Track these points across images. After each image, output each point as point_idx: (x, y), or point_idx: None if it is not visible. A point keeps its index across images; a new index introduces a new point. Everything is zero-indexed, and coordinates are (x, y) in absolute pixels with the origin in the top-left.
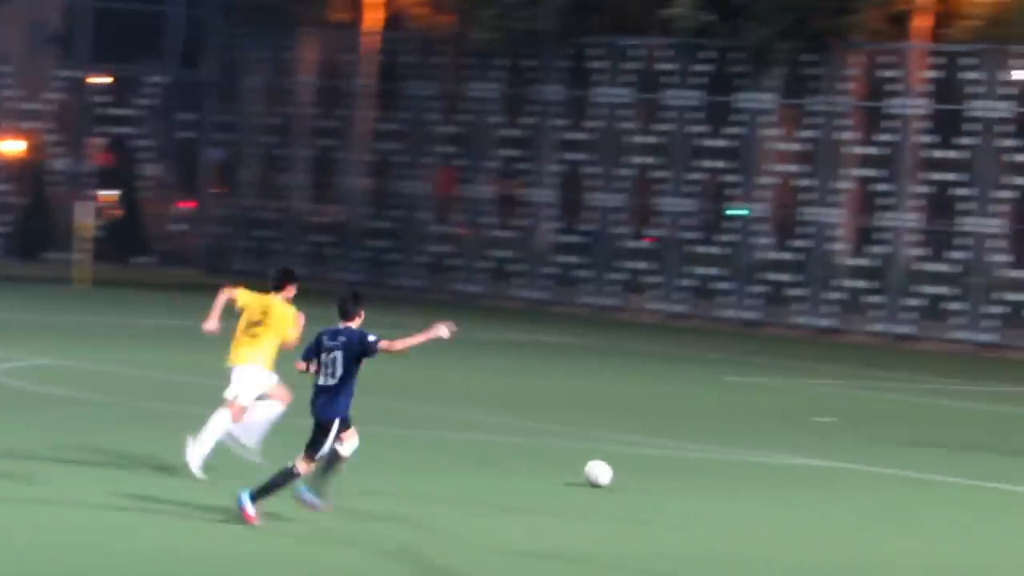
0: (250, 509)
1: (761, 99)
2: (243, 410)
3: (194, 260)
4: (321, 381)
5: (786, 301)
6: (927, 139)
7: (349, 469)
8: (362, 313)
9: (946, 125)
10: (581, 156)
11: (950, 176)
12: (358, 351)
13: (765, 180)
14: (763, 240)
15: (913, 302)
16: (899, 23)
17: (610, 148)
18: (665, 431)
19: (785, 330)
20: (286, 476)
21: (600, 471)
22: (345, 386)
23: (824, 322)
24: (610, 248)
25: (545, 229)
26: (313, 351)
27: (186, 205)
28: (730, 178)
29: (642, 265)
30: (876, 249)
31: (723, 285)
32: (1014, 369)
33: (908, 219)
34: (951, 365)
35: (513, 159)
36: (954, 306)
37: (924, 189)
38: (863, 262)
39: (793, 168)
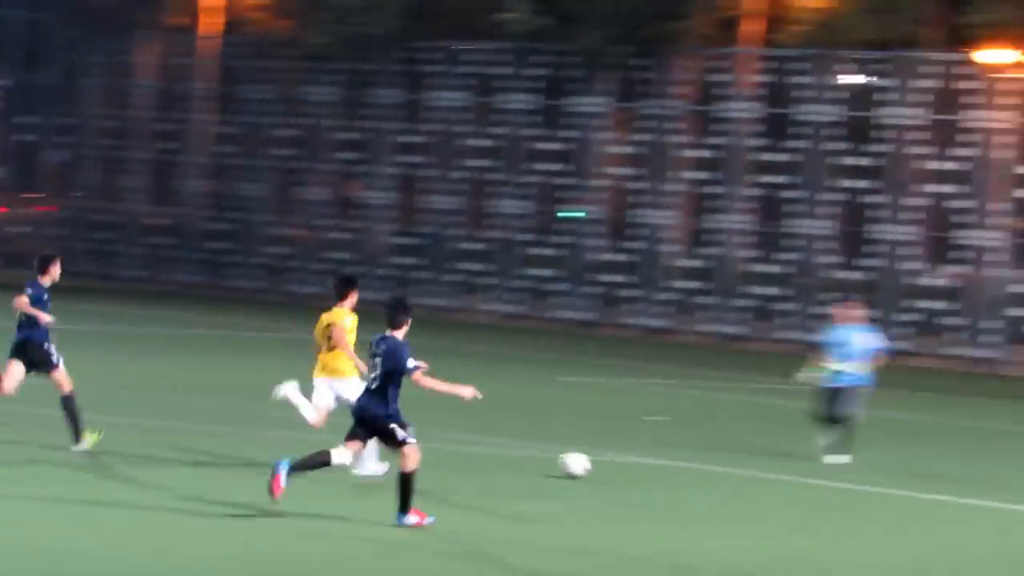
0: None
1: (594, 103)
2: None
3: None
4: (368, 383)
5: (619, 302)
6: (757, 142)
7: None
8: (408, 322)
9: (776, 129)
10: (417, 159)
11: (780, 179)
12: (394, 365)
13: (598, 183)
14: (597, 242)
15: (743, 303)
16: (729, 29)
17: (446, 151)
18: (501, 430)
19: (618, 330)
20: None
21: (574, 462)
22: (386, 392)
23: (656, 322)
24: (446, 250)
25: (382, 231)
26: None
27: (44, 209)
28: (564, 181)
29: (478, 267)
30: (707, 251)
31: (557, 286)
32: None
33: (739, 221)
34: (781, 364)
35: (350, 162)
36: (783, 307)
37: (754, 192)
38: (695, 263)
39: (626, 171)
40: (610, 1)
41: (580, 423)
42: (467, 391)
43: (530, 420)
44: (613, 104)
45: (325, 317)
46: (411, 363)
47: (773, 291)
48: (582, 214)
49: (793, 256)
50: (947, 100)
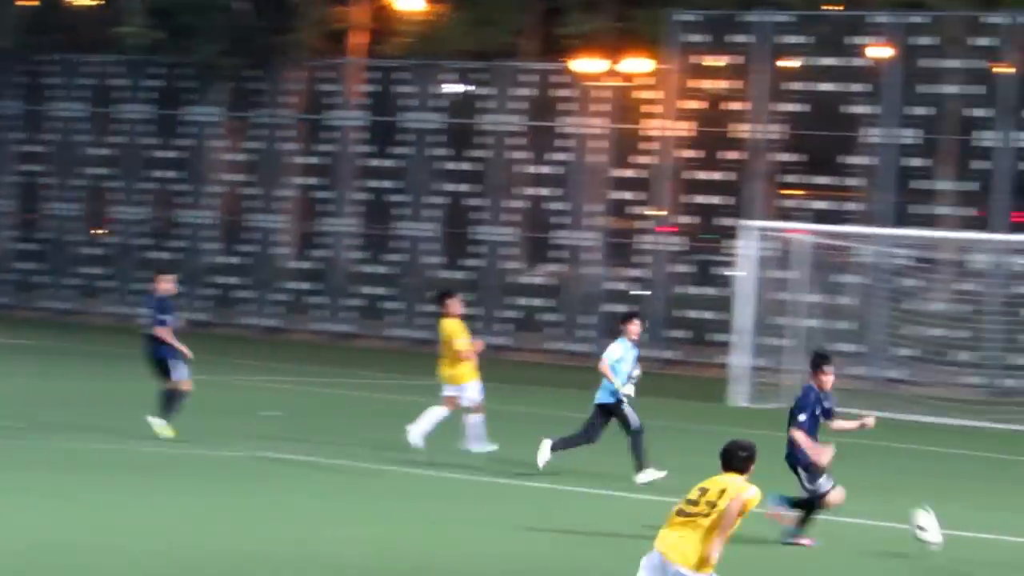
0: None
1: (208, 112)
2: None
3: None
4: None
5: (234, 303)
6: (364, 149)
7: None
8: (818, 373)
9: (382, 136)
10: (38, 167)
11: (386, 184)
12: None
13: (213, 189)
14: (212, 246)
15: (353, 302)
16: (337, 40)
17: (66, 160)
18: (119, 428)
19: (233, 330)
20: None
21: (927, 524)
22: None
23: (270, 322)
24: (66, 255)
25: (2, 237)
26: None
27: None
28: (180, 187)
29: (97, 271)
30: (318, 253)
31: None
32: None
33: (347, 224)
34: (389, 361)
35: None
36: (390, 305)
37: (362, 196)
38: (306, 265)
39: (239, 177)
40: (222, 14)
41: (197, 420)
42: (826, 456)
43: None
44: (226, 113)
45: (443, 328)
46: (802, 417)
47: (380, 291)
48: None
49: (399, 257)
50: (544, 107)
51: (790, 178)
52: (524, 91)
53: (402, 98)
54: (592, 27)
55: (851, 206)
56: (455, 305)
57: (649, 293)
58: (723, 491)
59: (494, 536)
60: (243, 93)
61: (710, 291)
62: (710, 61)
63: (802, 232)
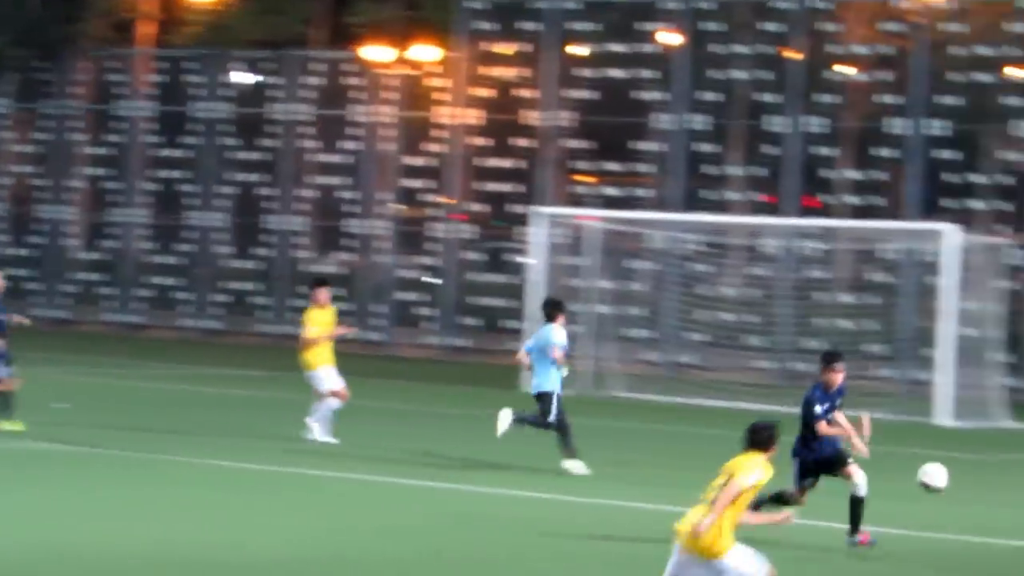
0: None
1: None
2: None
3: None
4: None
5: (23, 295)
6: (153, 139)
7: None
8: (827, 371)
9: (171, 126)
10: None
11: (176, 174)
12: (804, 413)
13: (1, 181)
14: (1, 237)
15: (143, 293)
16: (125, 30)
17: None
18: None
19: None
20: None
21: (935, 474)
22: (806, 438)
23: (59, 313)
24: None
25: None
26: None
27: None
28: None
29: None
30: (108, 244)
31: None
32: (239, 353)
33: (138, 215)
34: (180, 351)
35: None
36: (181, 296)
37: (152, 186)
38: (95, 256)
39: (27, 169)
40: (8, 4)
41: None
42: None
43: None
44: (14, 105)
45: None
46: (818, 409)
47: (171, 281)
48: None
49: (189, 247)
50: (333, 96)
51: (581, 165)
52: (313, 80)
53: (191, 88)
54: (381, 15)
55: (642, 192)
56: (321, 294)
57: (440, 281)
58: (732, 474)
59: (276, 525)
60: (31, 84)
61: (501, 278)
62: (500, 48)
63: (593, 218)
